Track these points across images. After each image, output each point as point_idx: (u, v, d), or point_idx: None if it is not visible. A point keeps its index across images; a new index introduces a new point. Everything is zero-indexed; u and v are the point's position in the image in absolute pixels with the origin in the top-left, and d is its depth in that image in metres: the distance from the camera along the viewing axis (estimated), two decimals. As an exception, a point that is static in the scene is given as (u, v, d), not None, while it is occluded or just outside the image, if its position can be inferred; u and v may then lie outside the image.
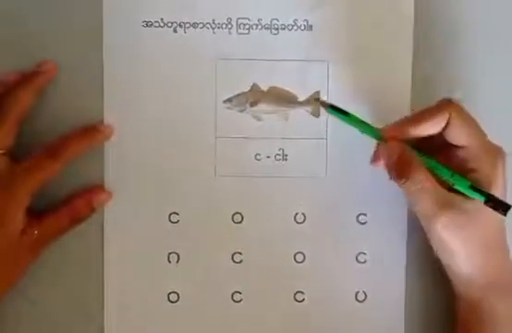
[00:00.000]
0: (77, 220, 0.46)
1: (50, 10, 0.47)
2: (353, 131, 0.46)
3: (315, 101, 0.47)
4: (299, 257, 0.48)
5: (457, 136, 0.43)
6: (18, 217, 0.44)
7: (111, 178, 0.48)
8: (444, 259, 0.45)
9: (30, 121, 0.46)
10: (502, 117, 0.49)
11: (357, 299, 0.49)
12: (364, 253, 0.48)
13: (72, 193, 0.47)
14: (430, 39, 0.49)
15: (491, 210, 0.42)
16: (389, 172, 0.43)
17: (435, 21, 0.49)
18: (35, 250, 0.45)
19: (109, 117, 0.47)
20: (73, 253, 0.47)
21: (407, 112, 0.48)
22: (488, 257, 0.44)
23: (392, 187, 0.46)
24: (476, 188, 0.42)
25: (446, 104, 0.43)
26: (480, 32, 0.49)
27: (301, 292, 0.48)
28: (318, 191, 0.48)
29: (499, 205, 0.42)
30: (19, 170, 0.44)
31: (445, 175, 0.43)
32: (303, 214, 0.48)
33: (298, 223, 0.48)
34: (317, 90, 0.48)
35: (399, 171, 0.43)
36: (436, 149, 0.45)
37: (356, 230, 0.48)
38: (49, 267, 0.47)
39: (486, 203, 0.42)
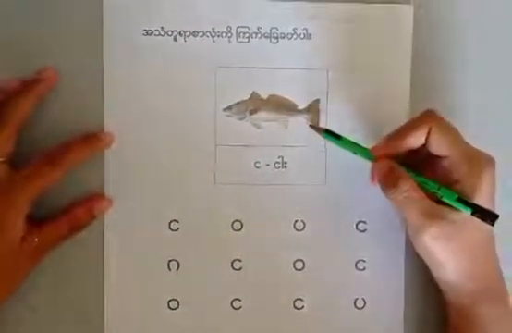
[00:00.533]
0: (77, 228, 0.46)
1: (50, 19, 0.47)
2: (352, 139, 0.46)
3: (309, 127, 0.47)
4: (299, 264, 0.48)
5: (439, 147, 0.44)
6: (17, 225, 0.44)
7: (111, 185, 0.48)
8: (432, 268, 0.45)
9: (31, 129, 0.47)
10: (498, 124, 0.50)
11: (356, 306, 0.49)
12: (363, 261, 0.49)
13: (72, 201, 0.47)
14: (429, 46, 0.49)
15: (478, 220, 0.42)
16: (380, 186, 0.45)
17: (434, 29, 0.49)
18: (35, 257, 0.45)
19: (109, 125, 0.48)
20: (73, 261, 0.48)
21: (406, 119, 0.48)
22: (476, 266, 0.44)
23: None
24: (463, 199, 0.42)
25: (426, 117, 0.44)
26: (479, 38, 0.49)
27: (301, 300, 0.48)
28: (317, 199, 0.49)
29: (487, 216, 0.42)
30: (19, 178, 0.44)
31: (433, 188, 0.43)
32: (303, 221, 0.49)
33: (297, 230, 0.49)
34: (317, 98, 0.48)
35: (387, 182, 0.44)
36: (423, 161, 0.46)
37: (355, 238, 0.49)
38: (49, 274, 0.47)
39: (473, 214, 0.42)
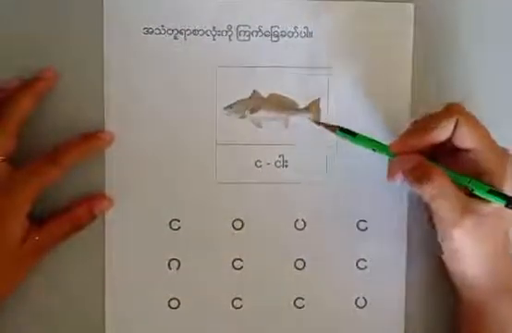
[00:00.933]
0: (78, 227, 0.46)
1: (51, 17, 0.47)
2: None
3: (318, 125, 0.47)
4: (300, 264, 0.48)
5: (466, 140, 0.43)
6: (18, 224, 0.44)
7: (112, 184, 0.47)
8: (452, 263, 0.45)
9: (32, 128, 0.46)
10: (500, 122, 0.49)
11: (357, 305, 0.49)
12: (364, 260, 0.49)
13: (73, 200, 0.47)
14: (430, 45, 0.49)
15: (506, 214, 0.42)
16: (407, 179, 0.43)
17: (436, 27, 0.49)
18: (35, 256, 0.45)
19: (110, 124, 0.47)
20: (74, 260, 0.47)
21: (407, 117, 0.48)
22: (497, 261, 0.44)
23: (392, 193, 0.47)
24: (495, 191, 0.42)
25: (452, 109, 0.43)
26: (481, 37, 0.49)
27: (301, 299, 0.48)
28: (318, 198, 0.48)
29: None
30: (20, 176, 0.44)
31: (463, 181, 0.43)
32: (303, 220, 0.48)
33: (298, 229, 0.48)
34: (317, 97, 0.48)
35: (419, 175, 0.43)
36: (446, 153, 0.45)
37: (356, 237, 0.49)
38: (49, 274, 0.47)
39: (507, 206, 0.41)
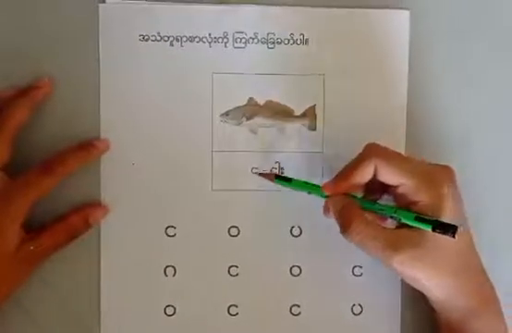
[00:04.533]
0: (73, 236, 0.46)
1: (47, 25, 0.47)
2: (349, 145, 0.46)
3: (259, 176, 0.48)
4: (296, 270, 0.48)
5: (388, 178, 0.43)
6: (13, 233, 0.44)
7: (108, 192, 0.48)
8: (421, 290, 0.44)
9: (27, 136, 0.46)
10: (495, 126, 0.50)
11: (353, 312, 0.49)
12: (360, 266, 0.49)
13: (69, 209, 0.47)
14: (425, 52, 0.49)
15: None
16: (337, 222, 0.44)
17: (431, 34, 0.49)
18: (30, 265, 0.45)
19: (105, 131, 0.47)
20: (69, 267, 0.47)
21: (402, 125, 0.49)
22: (461, 281, 0.43)
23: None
24: (421, 218, 0.42)
25: (369, 152, 0.43)
26: (477, 44, 0.49)
27: (297, 306, 0.48)
28: (314, 205, 0.48)
29: (448, 229, 0.41)
30: (15, 187, 0.44)
31: (389, 212, 0.43)
32: (299, 227, 0.49)
33: (294, 236, 0.48)
34: (313, 103, 0.48)
35: (342, 222, 0.43)
36: (379, 187, 0.45)
37: (352, 244, 0.48)
38: (45, 281, 0.47)
39: (434, 230, 0.41)
